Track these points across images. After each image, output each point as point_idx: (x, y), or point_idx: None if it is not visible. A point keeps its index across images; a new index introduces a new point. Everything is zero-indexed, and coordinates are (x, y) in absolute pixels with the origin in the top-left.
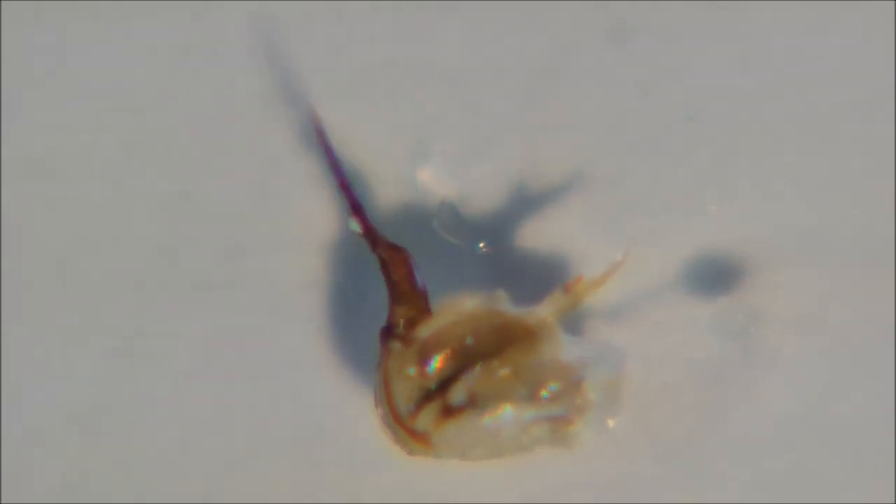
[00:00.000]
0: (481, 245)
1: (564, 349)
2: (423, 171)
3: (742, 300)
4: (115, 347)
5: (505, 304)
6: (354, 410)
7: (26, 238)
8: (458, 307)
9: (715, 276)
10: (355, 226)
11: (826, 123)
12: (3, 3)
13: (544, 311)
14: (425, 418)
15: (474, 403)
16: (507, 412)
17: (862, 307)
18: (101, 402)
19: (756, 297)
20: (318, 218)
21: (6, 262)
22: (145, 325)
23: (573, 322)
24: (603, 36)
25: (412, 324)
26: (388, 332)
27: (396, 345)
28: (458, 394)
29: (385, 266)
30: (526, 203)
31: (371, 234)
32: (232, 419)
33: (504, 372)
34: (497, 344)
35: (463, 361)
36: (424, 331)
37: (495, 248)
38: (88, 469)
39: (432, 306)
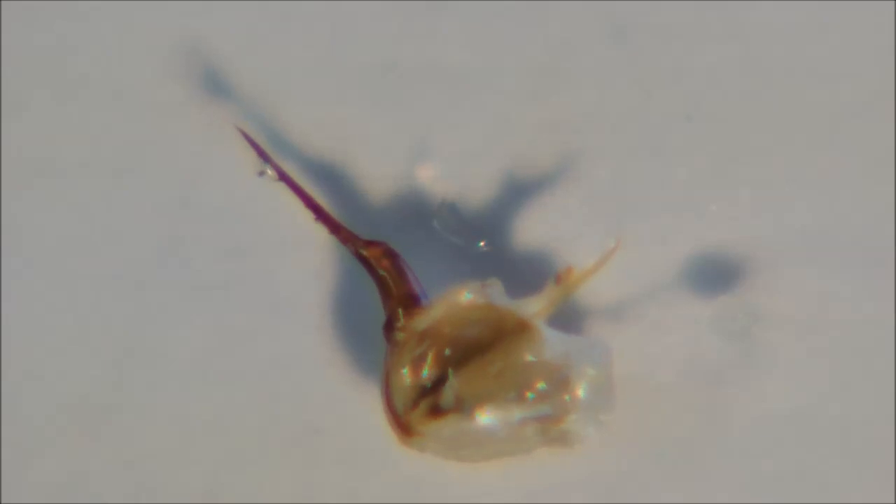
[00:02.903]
0: (481, 244)
1: (549, 347)
2: (424, 169)
3: (742, 300)
4: (115, 347)
5: (499, 293)
6: (354, 410)
7: (26, 238)
8: (451, 300)
9: (715, 276)
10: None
11: (826, 123)
12: (2, 3)
13: (537, 304)
14: (418, 416)
15: (461, 406)
16: (493, 415)
17: (862, 307)
18: (102, 402)
19: (756, 296)
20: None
21: (6, 262)
22: (145, 325)
23: (569, 320)
24: (603, 36)
25: (411, 313)
26: (389, 326)
27: (400, 335)
28: (446, 397)
29: (367, 264)
30: (526, 202)
31: (343, 236)
32: (232, 419)
33: (490, 374)
34: (491, 338)
35: (456, 358)
36: (420, 324)
37: (495, 246)
38: (88, 469)
39: (429, 299)
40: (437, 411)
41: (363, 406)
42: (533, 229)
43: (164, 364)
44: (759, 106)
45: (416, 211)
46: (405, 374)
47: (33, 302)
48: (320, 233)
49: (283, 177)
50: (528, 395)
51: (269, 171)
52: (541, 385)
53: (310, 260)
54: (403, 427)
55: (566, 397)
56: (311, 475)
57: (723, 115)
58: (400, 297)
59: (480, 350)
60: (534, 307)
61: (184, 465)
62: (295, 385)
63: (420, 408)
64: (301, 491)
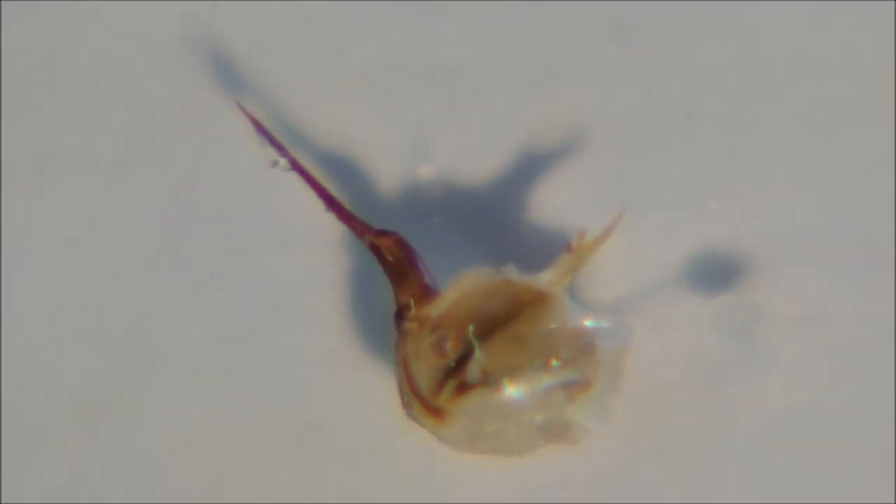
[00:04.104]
0: (481, 241)
1: (573, 316)
2: (425, 167)
3: (742, 298)
4: (115, 347)
5: (514, 275)
6: (355, 408)
7: (26, 237)
8: (466, 282)
9: (715, 275)
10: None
11: (826, 122)
12: (2, 3)
13: (552, 275)
14: (447, 395)
15: (488, 379)
16: (520, 385)
17: (862, 307)
18: (102, 401)
19: (756, 295)
20: (319, 215)
21: (6, 261)
22: (145, 325)
23: (577, 310)
24: (604, 34)
25: (422, 303)
26: (400, 316)
27: (412, 325)
28: (473, 371)
29: (378, 253)
30: (526, 199)
31: (354, 225)
32: (233, 417)
33: (514, 345)
34: (509, 313)
35: (478, 335)
36: (436, 309)
37: (495, 243)
38: (88, 469)
39: (438, 288)
40: (464, 388)
41: (364, 404)
42: (533, 226)
43: (164, 364)
44: (760, 105)
45: (416, 207)
46: (426, 359)
47: (33, 301)
48: (322, 230)
49: (296, 166)
50: (554, 362)
51: (282, 162)
52: (565, 353)
53: (310, 259)
54: (433, 410)
55: (592, 362)
56: (311, 473)
57: (723, 114)
58: (411, 286)
59: (501, 323)
60: (550, 277)
61: (184, 465)
62: (295, 383)
63: (448, 387)
64: (302, 489)
